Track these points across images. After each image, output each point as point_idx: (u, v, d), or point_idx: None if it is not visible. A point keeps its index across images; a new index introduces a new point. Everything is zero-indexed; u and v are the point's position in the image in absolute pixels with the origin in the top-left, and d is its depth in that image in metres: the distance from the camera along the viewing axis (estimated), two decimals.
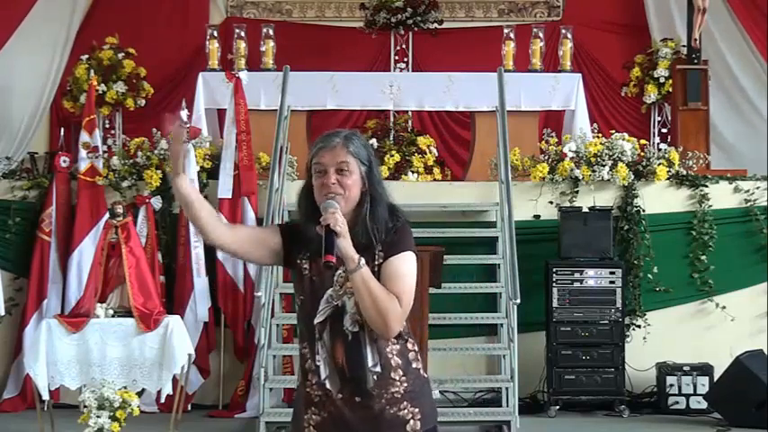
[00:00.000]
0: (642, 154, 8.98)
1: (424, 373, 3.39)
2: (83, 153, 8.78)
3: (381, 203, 3.33)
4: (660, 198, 8.96)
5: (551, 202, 8.87)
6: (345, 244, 3.19)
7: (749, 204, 8.97)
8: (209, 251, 8.58)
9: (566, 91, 9.65)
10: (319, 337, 3.29)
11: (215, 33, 10.05)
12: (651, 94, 10.07)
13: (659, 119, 10.22)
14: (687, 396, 8.37)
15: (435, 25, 10.70)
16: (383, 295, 3.20)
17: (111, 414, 6.41)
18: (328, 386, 3.27)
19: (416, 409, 3.29)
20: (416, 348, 3.36)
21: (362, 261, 3.20)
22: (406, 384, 3.28)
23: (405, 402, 3.27)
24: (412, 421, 3.27)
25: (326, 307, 3.29)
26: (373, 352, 3.26)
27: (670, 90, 9.94)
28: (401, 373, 3.28)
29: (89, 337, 7.08)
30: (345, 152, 3.29)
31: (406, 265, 3.28)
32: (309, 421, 3.32)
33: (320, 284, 3.30)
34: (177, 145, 3.24)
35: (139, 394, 7.02)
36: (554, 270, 8.43)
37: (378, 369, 3.26)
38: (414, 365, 3.32)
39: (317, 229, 3.20)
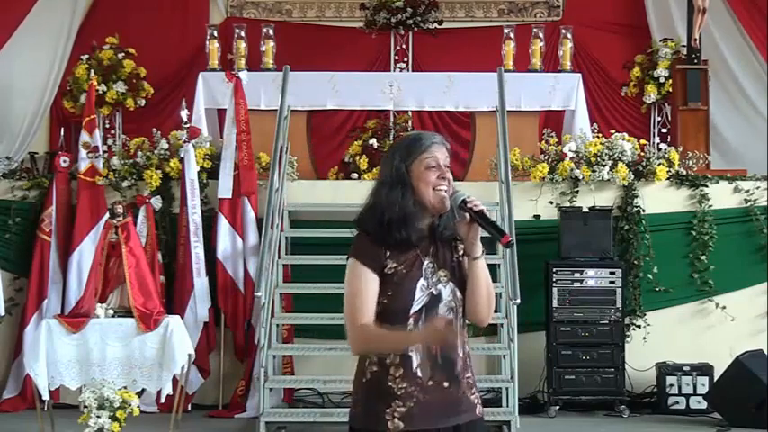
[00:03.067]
0: (642, 154, 8.98)
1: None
2: (83, 153, 8.78)
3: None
4: (660, 198, 8.96)
5: (551, 202, 8.87)
6: (479, 231, 3.39)
7: (749, 204, 8.97)
8: (209, 251, 8.58)
9: (566, 91, 9.65)
10: (414, 327, 3.37)
11: (215, 33, 10.05)
12: (651, 94, 10.07)
13: (659, 119, 10.22)
14: (687, 396, 8.37)
15: (435, 25, 10.71)
16: (490, 282, 3.45)
17: (111, 414, 6.41)
18: (419, 374, 3.35)
19: (479, 395, 3.49)
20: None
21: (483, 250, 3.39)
22: (472, 372, 3.47)
23: (473, 388, 3.46)
24: (479, 406, 3.46)
25: (422, 295, 3.39)
26: (462, 339, 3.43)
27: (670, 90, 9.94)
28: (470, 361, 3.47)
29: (89, 337, 7.08)
30: (448, 152, 3.48)
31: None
32: (393, 414, 3.36)
33: (409, 276, 3.38)
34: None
35: (139, 394, 7.03)
36: (554, 270, 8.44)
37: (462, 355, 3.42)
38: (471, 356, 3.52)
39: (468, 216, 3.36)
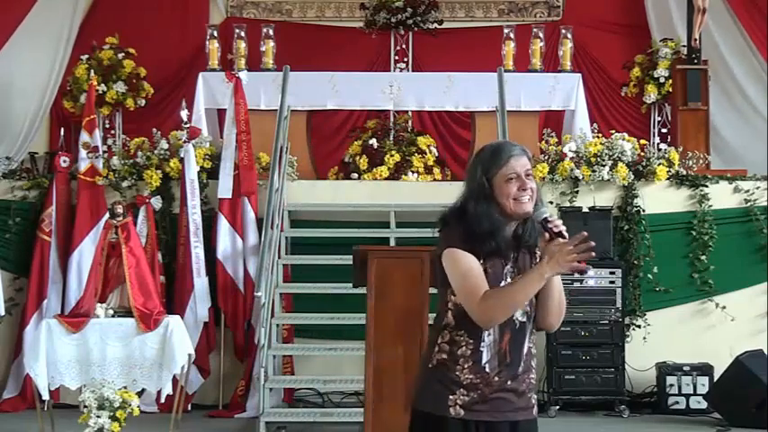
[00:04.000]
0: (642, 154, 8.99)
1: None
2: (83, 153, 8.78)
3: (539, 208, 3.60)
4: (660, 198, 8.96)
5: (551, 202, 8.87)
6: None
7: (749, 204, 8.97)
8: (209, 251, 8.58)
9: (566, 91, 9.65)
10: (488, 330, 3.54)
11: (215, 33, 10.05)
12: (651, 94, 10.06)
13: (659, 119, 10.21)
14: (687, 396, 8.37)
15: (435, 25, 10.70)
16: (563, 294, 3.62)
17: (111, 414, 6.41)
18: (487, 369, 3.52)
19: (536, 397, 3.64)
20: None
21: None
22: (534, 374, 3.62)
23: (533, 390, 3.61)
24: (535, 407, 3.62)
25: None
26: (530, 342, 3.59)
27: (670, 90, 9.93)
28: (534, 363, 3.62)
29: (89, 337, 7.08)
30: (528, 161, 3.57)
31: None
32: (457, 401, 3.53)
33: (495, 276, 3.52)
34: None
35: (139, 394, 7.02)
36: None
37: (527, 357, 3.57)
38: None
39: (548, 237, 3.49)
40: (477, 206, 3.53)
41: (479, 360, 3.52)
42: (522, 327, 3.54)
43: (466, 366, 3.53)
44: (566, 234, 3.49)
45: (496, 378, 3.52)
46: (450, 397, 3.53)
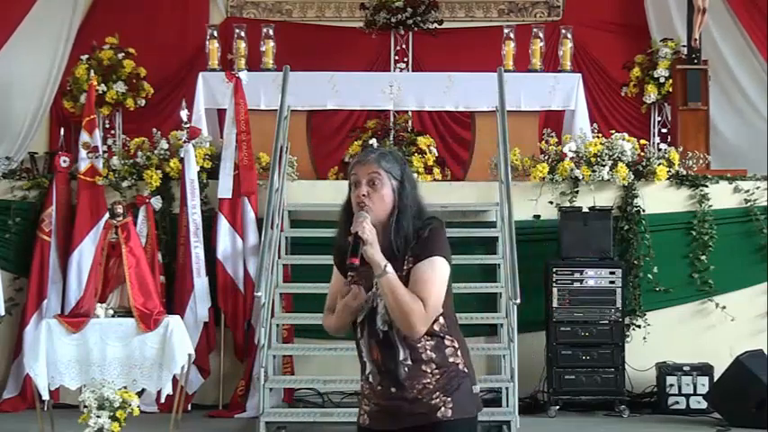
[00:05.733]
0: (642, 154, 8.98)
1: (465, 368, 3.59)
2: (83, 153, 8.78)
3: (406, 215, 3.56)
4: (660, 198, 8.96)
5: (551, 202, 8.87)
6: (372, 251, 3.46)
7: (749, 204, 8.97)
8: (209, 251, 8.58)
9: (566, 91, 9.65)
10: (360, 336, 3.61)
11: (215, 33, 10.05)
12: (651, 94, 10.06)
13: (659, 119, 10.21)
14: (687, 396, 8.37)
15: (435, 25, 10.70)
16: (407, 298, 3.44)
17: (111, 414, 6.40)
18: (371, 379, 3.58)
19: (448, 398, 3.52)
20: (457, 345, 3.58)
21: (389, 267, 3.45)
22: (438, 377, 3.52)
23: (437, 393, 3.51)
24: (443, 408, 3.51)
25: (364, 308, 3.59)
26: (404, 348, 3.51)
27: (670, 90, 9.93)
28: (434, 366, 3.52)
29: (89, 337, 7.08)
30: (377, 166, 3.56)
31: (432, 270, 3.50)
32: (364, 410, 3.64)
33: (365, 288, 3.56)
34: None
35: (139, 394, 7.02)
36: (554, 270, 8.43)
37: (409, 362, 3.51)
38: (451, 359, 3.55)
39: (348, 238, 3.48)
40: (342, 206, 3.65)
41: (365, 371, 3.60)
42: (386, 335, 3.52)
43: (362, 377, 3.63)
44: (362, 236, 3.44)
45: (379, 387, 3.54)
46: (363, 406, 3.64)
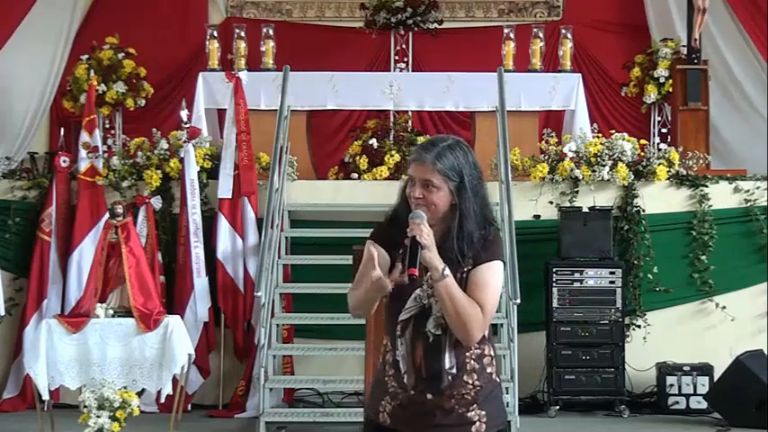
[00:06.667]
0: (642, 154, 8.98)
1: (497, 378, 3.50)
2: (83, 153, 8.78)
3: (469, 218, 3.40)
4: (660, 198, 8.96)
5: (551, 202, 8.87)
6: (431, 255, 3.30)
7: (749, 204, 8.97)
8: (209, 251, 8.58)
9: (566, 91, 9.64)
10: (401, 334, 3.42)
11: (215, 33, 10.05)
12: (651, 94, 10.06)
13: (659, 119, 10.21)
14: (687, 396, 8.37)
15: (435, 25, 10.71)
16: (466, 303, 3.31)
17: (111, 414, 6.41)
18: (405, 381, 3.40)
19: (483, 412, 3.40)
20: (492, 353, 3.48)
21: (447, 270, 3.30)
22: (478, 388, 3.40)
23: (474, 405, 3.39)
24: (478, 423, 3.40)
25: (413, 306, 3.41)
26: (451, 355, 3.38)
27: (670, 90, 9.93)
28: (475, 376, 3.40)
29: (89, 337, 7.07)
30: (432, 169, 3.38)
31: (491, 275, 3.39)
32: (385, 407, 3.45)
33: (411, 282, 3.37)
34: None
35: (139, 394, 7.02)
36: (554, 270, 8.43)
37: (454, 371, 3.38)
38: (488, 370, 3.44)
39: (405, 241, 3.32)
40: (399, 194, 3.53)
41: (399, 369, 3.42)
42: (437, 339, 3.38)
43: (390, 374, 3.45)
44: (420, 241, 3.29)
45: (413, 392, 3.39)
46: (382, 402, 3.47)
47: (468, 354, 3.39)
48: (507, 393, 7.60)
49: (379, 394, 3.49)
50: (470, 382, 3.39)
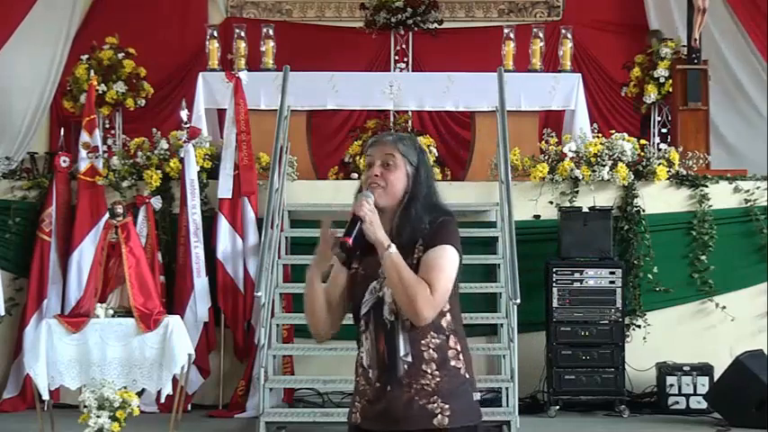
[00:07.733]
0: (642, 154, 8.98)
1: (466, 374, 3.40)
2: (83, 153, 8.78)
3: (419, 202, 3.41)
4: (660, 198, 8.96)
5: (551, 202, 8.87)
6: (374, 230, 3.30)
7: (749, 204, 8.97)
8: (209, 251, 8.58)
9: (565, 91, 9.64)
10: (365, 328, 3.40)
11: (215, 33, 10.05)
12: (651, 95, 10.05)
13: (659, 119, 10.21)
14: (687, 396, 8.36)
15: (435, 25, 10.71)
16: (412, 280, 3.27)
17: (111, 414, 6.41)
18: (371, 375, 3.37)
19: (446, 405, 3.31)
20: (459, 348, 3.39)
21: (393, 247, 3.28)
22: (438, 379, 3.32)
23: (435, 397, 3.31)
24: (440, 416, 3.31)
25: (370, 298, 3.40)
26: (405, 341, 3.32)
27: (670, 90, 9.93)
28: (434, 367, 3.33)
29: (89, 337, 7.08)
30: (393, 147, 3.46)
31: (440, 256, 3.34)
32: (357, 407, 3.43)
33: (367, 278, 3.39)
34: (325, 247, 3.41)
35: (139, 394, 7.02)
36: (554, 270, 8.43)
37: (408, 359, 3.32)
38: (452, 363, 3.36)
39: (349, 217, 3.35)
40: (355, 191, 3.53)
41: (363, 364, 3.40)
42: (392, 326, 3.33)
43: (359, 372, 3.43)
44: (359, 213, 3.32)
45: (378, 384, 3.34)
46: (355, 404, 3.44)
47: (423, 342, 3.32)
48: (507, 393, 7.62)
49: (353, 396, 3.49)
50: (429, 371, 3.31)
